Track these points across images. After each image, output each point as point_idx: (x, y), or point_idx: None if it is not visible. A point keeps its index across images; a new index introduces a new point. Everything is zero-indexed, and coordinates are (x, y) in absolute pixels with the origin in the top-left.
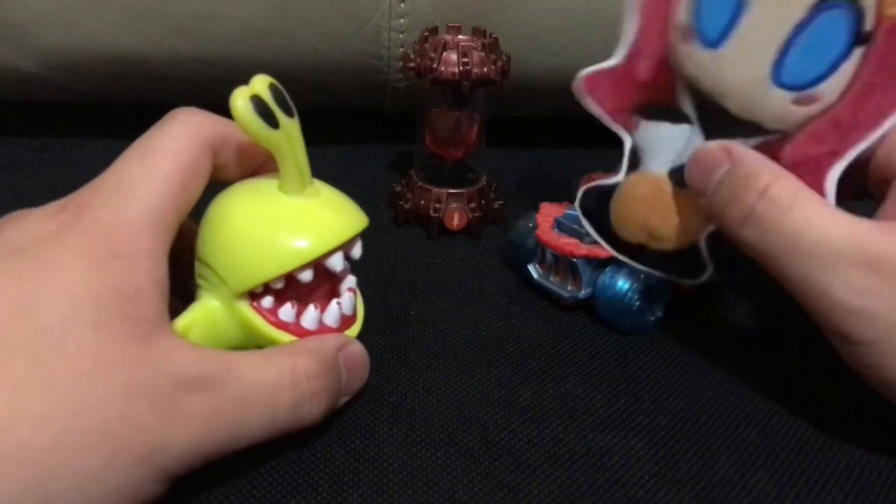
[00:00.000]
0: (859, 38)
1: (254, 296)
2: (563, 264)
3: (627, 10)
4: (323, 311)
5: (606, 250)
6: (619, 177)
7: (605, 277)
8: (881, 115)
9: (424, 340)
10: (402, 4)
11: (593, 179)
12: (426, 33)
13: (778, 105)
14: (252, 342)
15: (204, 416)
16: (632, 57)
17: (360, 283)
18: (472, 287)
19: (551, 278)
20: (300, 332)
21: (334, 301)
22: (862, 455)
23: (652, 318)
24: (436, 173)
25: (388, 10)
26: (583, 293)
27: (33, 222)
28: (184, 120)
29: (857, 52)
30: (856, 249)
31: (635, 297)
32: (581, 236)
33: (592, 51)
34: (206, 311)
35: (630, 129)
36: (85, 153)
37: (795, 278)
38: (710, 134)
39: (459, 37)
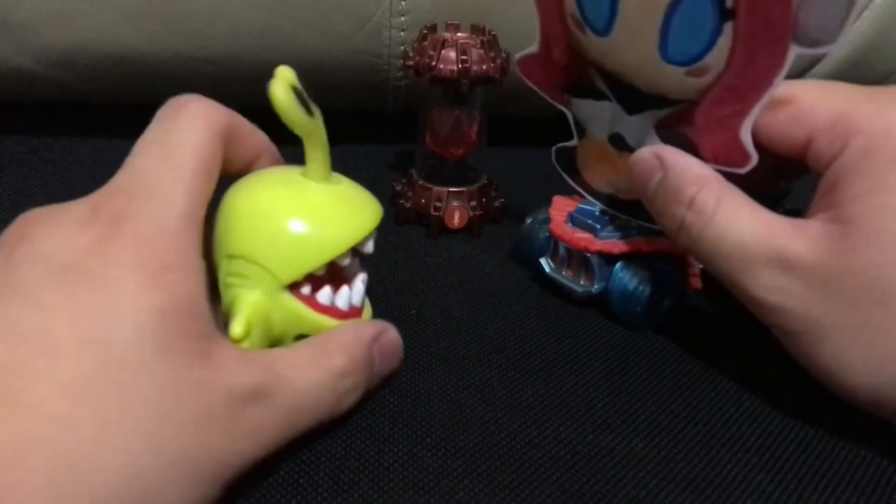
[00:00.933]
0: (724, 14)
1: (294, 285)
2: (577, 259)
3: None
4: (348, 289)
5: (582, 195)
6: (575, 141)
7: (617, 271)
8: (767, 76)
9: (425, 340)
10: (403, 3)
11: None
12: (425, 31)
13: (674, 79)
14: (294, 330)
15: (264, 428)
16: (545, 43)
17: None
18: (473, 286)
19: (563, 272)
20: (339, 314)
21: (359, 280)
22: (865, 456)
23: (662, 313)
24: (436, 172)
25: (389, 8)
26: (595, 288)
27: (69, 232)
28: (198, 111)
29: (728, 27)
30: (767, 250)
31: (646, 291)
32: (595, 231)
33: None
34: (257, 308)
35: (566, 105)
36: (85, 152)
37: (724, 279)
38: (627, 107)
39: (458, 34)
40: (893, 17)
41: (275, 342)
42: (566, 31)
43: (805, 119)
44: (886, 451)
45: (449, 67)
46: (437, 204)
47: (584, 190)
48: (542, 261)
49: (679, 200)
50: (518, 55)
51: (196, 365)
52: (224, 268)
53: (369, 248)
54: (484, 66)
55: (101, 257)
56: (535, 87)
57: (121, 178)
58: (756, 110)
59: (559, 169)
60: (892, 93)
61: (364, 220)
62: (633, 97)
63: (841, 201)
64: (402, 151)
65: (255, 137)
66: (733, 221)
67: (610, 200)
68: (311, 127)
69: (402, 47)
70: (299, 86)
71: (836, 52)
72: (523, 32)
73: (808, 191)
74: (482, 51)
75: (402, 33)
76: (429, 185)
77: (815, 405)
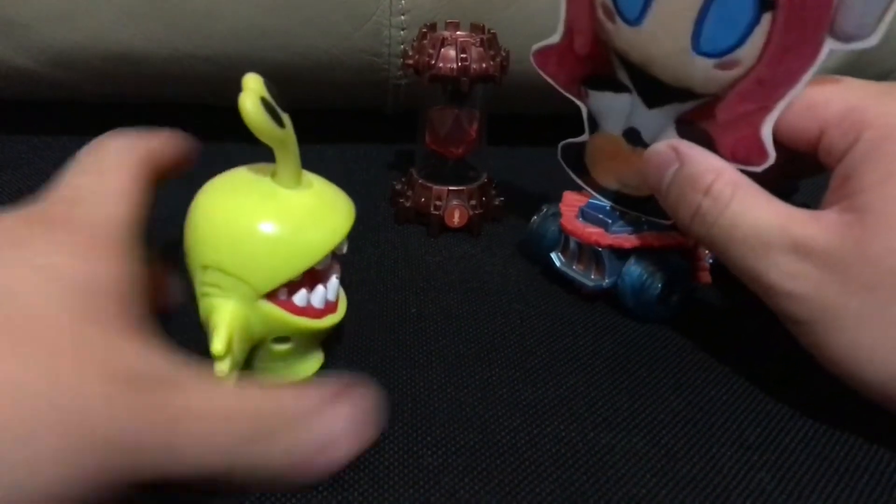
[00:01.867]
0: (764, 4)
1: (271, 292)
2: (587, 253)
3: None
4: (323, 288)
5: (589, 192)
6: (585, 136)
7: (629, 265)
8: (798, 72)
9: (425, 338)
10: (403, 1)
11: None
12: (424, 30)
13: (702, 72)
14: (273, 333)
15: (150, 423)
16: (568, 33)
17: (360, 281)
18: (473, 285)
19: (574, 267)
20: (315, 313)
21: (333, 276)
22: (865, 454)
23: (672, 306)
24: (436, 171)
25: (389, 7)
26: (606, 282)
27: (4, 220)
28: (120, 143)
29: (766, 18)
30: (785, 237)
31: (658, 285)
32: (606, 226)
33: None
34: (235, 318)
35: (582, 98)
36: None
37: (737, 266)
38: (648, 101)
39: (458, 33)
40: (893, 17)
41: (254, 345)
42: (593, 20)
43: (817, 113)
44: (887, 449)
45: (448, 66)
46: (437, 203)
47: (590, 187)
48: (553, 255)
49: (696, 188)
50: (535, 46)
51: (102, 335)
52: (199, 277)
53: (344, 248)
54: (483, 65)
55: (36, 234)
56: (549, 80)
57: (54, 193)
58: (780, 107)
59: (564, 165)
60: None
61: (338, 225)
62: (656, 90)
63: (855, 191)
64: (402, 150)
65: (177, 151)
66: (749, 209)
67: (617, 197)
68: (281, 137)
69: (401, 46)
70: (268, 96)
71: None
72: (523, 31)
73: (814, 190)
74: (482, 49)
75: (402, 32)
76: (429, 184)
77: (816, 403)
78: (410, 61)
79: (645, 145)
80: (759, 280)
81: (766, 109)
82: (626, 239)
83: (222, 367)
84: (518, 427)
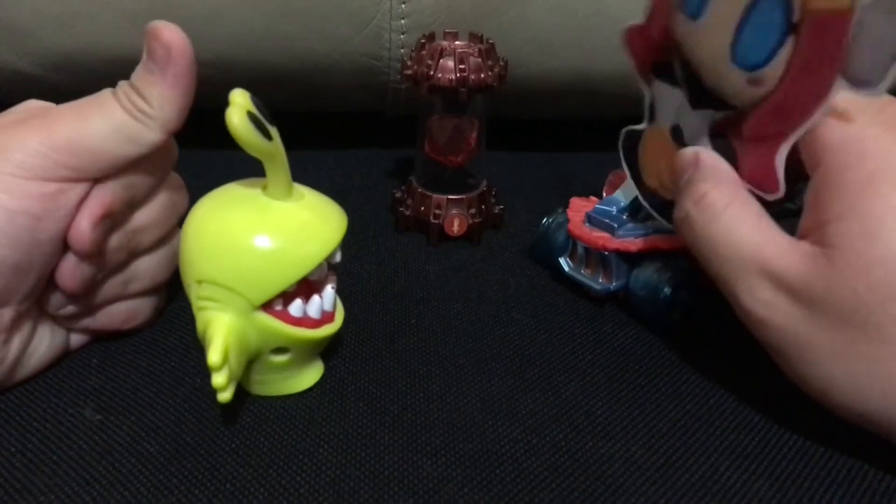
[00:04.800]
0: (790, 27)
1: (266, 303)
2: (595, 257)
3: None
4: (318, 298)
5: (635, 190)
6: (644, 125)
7: (638, 269)
8: (814, 101)
9: (425, 348)
10: (403, 6)
11: (620, 177)
12: (423, 40)
13: (735, 82)
14: (270, 344)
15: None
16: (650, 16)
17: (360, 291)
18: (473, 294)
19: (582, 271)
20: (312, 324)
21: (329, 286)
22: (862, 462)
23: (681, 309)
24: (436, 179)
25: (389, 11)
26: (614, 285)
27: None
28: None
29: (790, 40)
30: (761, 263)
31: (668, 288)
32: (613, 230)
33: (592, 53)
34: (232, 331)
35: (648, 83)
36: None
37: (718, 281)
38: (692, 100)
39: (456, 43)
40: None
41: (252, 357)
42: (668, 9)
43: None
44: (883, 457)
45: (447, 77)
46: (437, 211)
47: (635, 182)
48: (562, 260)
49: (689, 194)
50: (627, 23)
51: None
52: (195, 292)
53: (337, 258)
54: (482, 75)
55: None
56: (629, 57)
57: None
58: (794, 137)
59: (621, 154)
60: (882, 106)
61: (330, 234)
62: (699, 91)
63: (821, 222)
64: (402, 157)
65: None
66: (735, 228)
67: (650, 196)
68: (269, 150)
69: (402, 50)
70: (254, 109)
71: None
72: (522, 35)
73: None
74: (480, 59)
75: (402, 36)
76: (428, 193)
77: (813, 412)
78: (409, 72)
79: (685, 145)
80: (736, 301)
81: (782, 136)
82: (633, 242)
83: (219, 379)
84: (517, 437)
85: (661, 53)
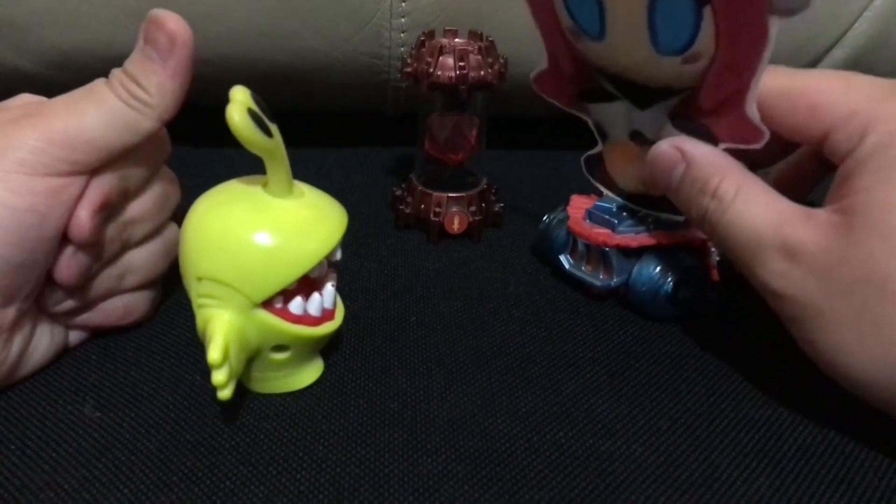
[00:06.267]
0: (699, 2)
1: (266, 300)
2: (595, 254)
3: (531, 17)
4: (319, 296)
5: (607, 193)
6: (599, 147)
7: (641, 264)
8: (757, 51)
9: (425, 346)
10: (403, 4)
11: None
12: (422, 38)
13: (673, 69)
14: (271, 342)
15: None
16: (551, 59)
17: (360, 289)
18: (473, 291)
19: (583, 268)
20: (312, 321)
21: (329, 283)
22: (863, 460)
23: (684, 304)
24: (436, 177)
25: (389, 9)
26: (615, 282)
27: None
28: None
29: (707, 11)
30: (776, 237)
31: (670, 282)
32: (613, 226)
33: None
34: (232, 329)
35: (584, 112)
36: None
37: (738, 263)
38: (638, 103)
39: (456, 40)
40: (893, 18)
41: (252, 355)
42: (567, 43)
43: (823, 115)
44: (885, 456)
45: (447, 74)
46: (437, 209)
47: (610, 190)
48: (562, 257)
49: (704, 191)
50: (531, 74)
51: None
52: (195, 289)
53: (337, 255)
54: (482, 73)
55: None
56: (553, 101)
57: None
58: (755, 85)
59: (589, 177)
60: None
61: (330, 232)
62: (640, 93)
63: (849, 193)
64: (402, 154)
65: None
66: (749, 209)
67: (635, 197)
68: (270, 147)
69: (402, 49)
70: (255, 107)
71: (838, 53)
72: (522, 32)
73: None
74: (480, 57)
75: (402, 35)
76: (428, 191)
77: (815, 411)
78: (409, 69)
79: (651, 143)
80: (753, 277)
81: (743, 90)
82: (633, 238)
83: (219, 376)
84: (517, 434)
85: (581, 82)
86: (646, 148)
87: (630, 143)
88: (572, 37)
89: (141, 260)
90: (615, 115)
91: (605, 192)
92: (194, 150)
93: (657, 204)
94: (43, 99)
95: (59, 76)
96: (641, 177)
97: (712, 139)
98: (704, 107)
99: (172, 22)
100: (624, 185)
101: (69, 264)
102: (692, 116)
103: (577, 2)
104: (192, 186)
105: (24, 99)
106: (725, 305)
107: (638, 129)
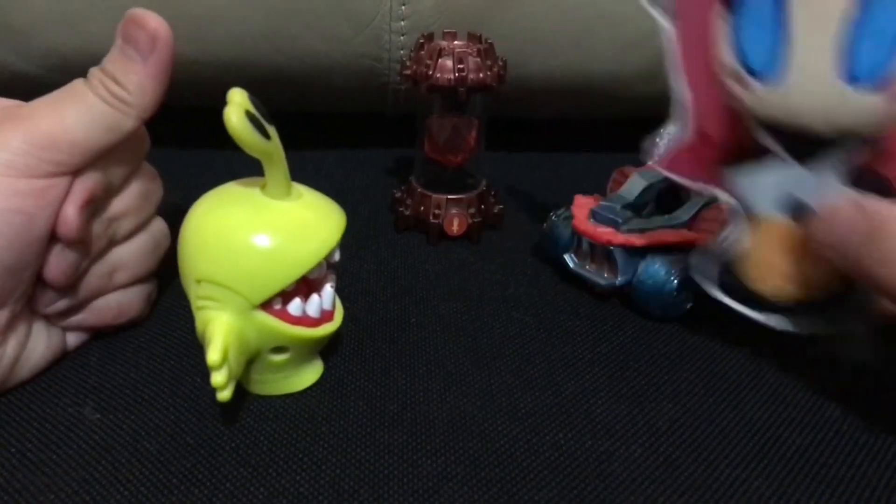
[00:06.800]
0: None
1: (265, 302)
2: (600, 253)
3: (671, 76)
4: (318, 297)
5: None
6: (730, 236)
7: (645, 263)
8: None
9: (424, 347)
10: (403, 7)
11: (625, 175)
12: (422, 40)
13: (863, 106)
14: (270, 343)
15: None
16: (697, 122)
17: (360, 291)
18: (473, 293)
19: (587, 267)
20: (311, 322)
21: (328, 284)
22: (861, 462)
23: (685, 303)
24: (436, 179)
25: (389, 12)
26: (619, 280)
27: None
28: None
29: None
30: None
31: (675, 281)
32: (617, 225)
33: (591, 53)
34: (231, 330)
35: (726, 189)
36: None
37: None
38: (807, 161)
39: (455, 43)
40: None
41: (252, 356)
42: (723, 99)
43: None
44: (883, 458)
45: (446, 76)
46: (437, 211)
47: (743, 306)
48: (567, 256)
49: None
50: (661, 157)
51: None
52: (194, 291)
53: (336, 257)
54: (480, 75)
55: None
56: (688, 182)
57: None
58: None
59: (701, 283)
60: None
61: (328, 233)
62: (810, 146)
63: None
64: (401, 156)
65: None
66: None
67: (801, 310)
68: (268, 149)
69: (401, 51)
70: (253, 109)
71: None
72: (522, 34)
73: None
74: (479, 59)
75: (401, 38)
76: (428, 193)
77: (813, 412)
78: (408, 72)
79: (812, 216)
80: None
81: None
82: (637, 237)
83: (218, 378)
84: (517, 435)
85: (733, 146)
86: (803, 224)
87: (789, 223)
88: (735, 84)
89: (129, 256)
90: (770, 182)
91: (742, 310)
92: (193, 152)
93: (832, 307)
94: (19, 102)
95: (59, 79)
96: (801, 270)
97: (894, 194)
98: (893, 153)
99: (153, 21)
100: (780, 290)
101: (58, 262)
102: (872, 169)
103: (752, 34)
104: (192, 188)
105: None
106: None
107: (800, 198)
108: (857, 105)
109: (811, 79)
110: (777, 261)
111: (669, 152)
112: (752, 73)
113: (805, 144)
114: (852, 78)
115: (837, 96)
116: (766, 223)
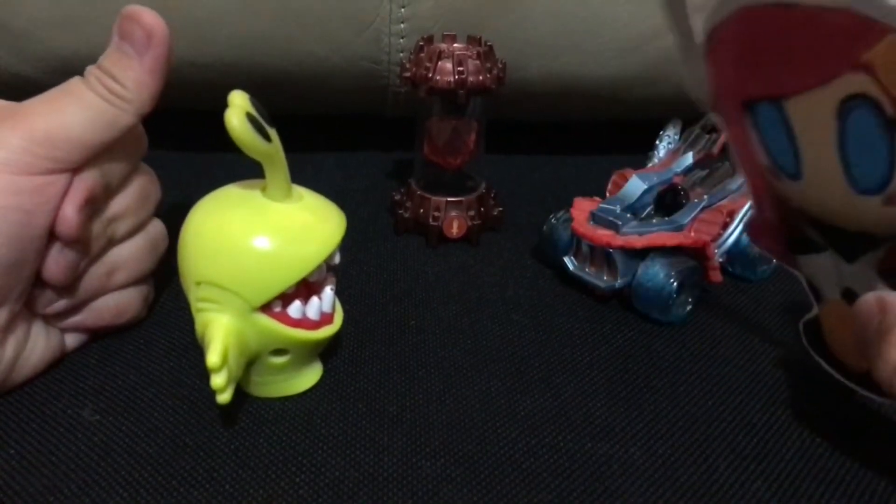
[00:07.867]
0: (889, 125)
1: (265, 304)
2: (599, 255)
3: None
4: (318, 300)
5: (841, 381)
6: (815, 310)
7: (644, 265)
8: None
9: (424, 350)
10: (403, 9)
11: (624, 177)
12: (421, 42)
13: (875, 211)
14: (269, 346)
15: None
16: (756, 204)
17: (360, 293)
18: (472, 295)
19: (587, 269)
20: (311, 325)
21: (328, 287)
22: (860, 464)
23: (684, 305)
24: (435, 181)
25: (389, 15)
26: (619, 283)
27: None
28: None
29: None
30: None
31: (674, 284)
32: (617, 228)
33: (590, 56)
34: (231, 331)
35: (795, 266)
36: None
37: None
38: (844, 254)
39: (455, 45)
40: None
41: (251, 358)
42: (769, 186)
43: None
44: (882, 459)
45: (445, 79)
46: (436, 213)
47: (837, 372)
48: (566, 259)
49: (891, 342)
50: (749, 219)
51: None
52: (194, 293)
53: (336, 259)
54: (480, 77)
55: None
56: (768, 253)
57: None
58: None
59: (809, 349)
60: None
61: (329, 235)
62: (845, 241)
63: None
64: (401, 159)
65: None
66: None
67: (864, 379)
68: (268, 152)
69: (401, 54)
70: (254, 111)
71: None
72: (522, 37)
73: None
74: (478, 62)
75: (401, 40)
76: (427, 195)
77: (812, 414)
78: (408, 74)
79: None
80: None
81: None
82: (637, 240)
83: (218, 380)
84: (516, 437)
85: (788, 230)
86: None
87: (844, 304)
88: (771, 176)
89: (127, 256)
90: (824, 269)
91: (835, 374)
92: (193, 154)
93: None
94: (13, 102)
95: (58, 81)
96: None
97: None
98: None
99: (149, 17)
100: (848, 360)
101: (57, 261)
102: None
103: (773, 138)
104: (193, 190)
105: None
106: (722, 310)
107: (850, 286)
108: (864, 208)
109: (825, 184)
110: (840, 336)
111: (754, 222)
112: (782, 170)
113: (844, 238)
114: (857, 188)
115: (847, 199)
116: (828, 304)
